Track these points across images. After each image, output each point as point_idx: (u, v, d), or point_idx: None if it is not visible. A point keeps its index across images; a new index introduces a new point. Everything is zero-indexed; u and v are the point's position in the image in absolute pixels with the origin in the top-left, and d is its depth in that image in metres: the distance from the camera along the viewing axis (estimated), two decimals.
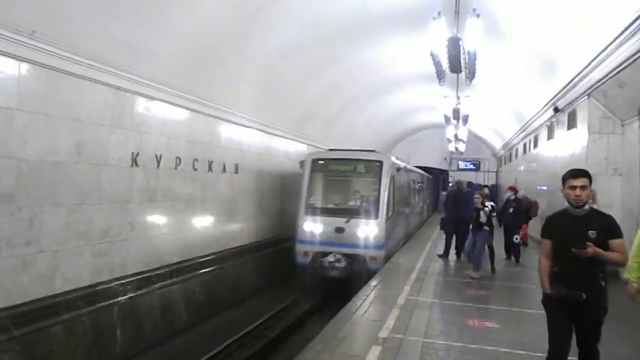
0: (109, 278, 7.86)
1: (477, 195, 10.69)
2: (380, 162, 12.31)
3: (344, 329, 6.34)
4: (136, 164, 8.45)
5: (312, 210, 12.06)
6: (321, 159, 12.80)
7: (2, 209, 6.01)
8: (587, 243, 3.89)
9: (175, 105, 9.46)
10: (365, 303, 7.74)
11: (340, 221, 11.69)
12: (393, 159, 13.38)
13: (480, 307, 7.72)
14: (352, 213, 11.88)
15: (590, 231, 3.98)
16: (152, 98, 8.77)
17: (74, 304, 7.09)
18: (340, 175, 12.66)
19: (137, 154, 8.46)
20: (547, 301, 4.31)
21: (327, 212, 12.07)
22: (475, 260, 10.33)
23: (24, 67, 6.23)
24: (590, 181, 4.15)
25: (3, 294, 6.10)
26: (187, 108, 9.80)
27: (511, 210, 12.60)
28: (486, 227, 10.21)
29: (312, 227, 11.83)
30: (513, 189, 13.71)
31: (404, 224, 15.29)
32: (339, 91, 15.76)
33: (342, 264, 11.37)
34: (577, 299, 3.97)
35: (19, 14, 5.85)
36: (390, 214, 12.16)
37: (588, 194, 4.12)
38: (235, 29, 9.52)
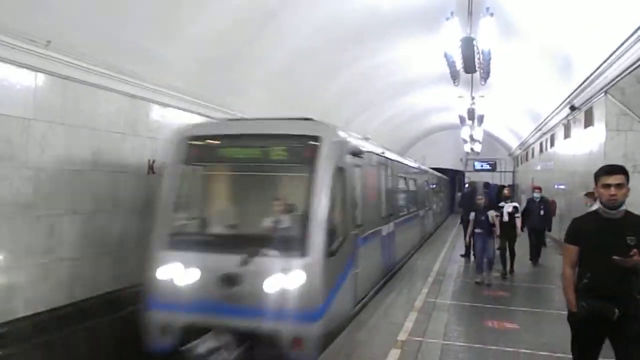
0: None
1: (479, 197, 10.26)
2: (316, 140, 6.15)
3: (361, 333, 6.30)
4: (152, 171, 8.51)
5: (177, 241, 6.14)
6: (201, 137, 6.72)
7: (22, 217, 6.11)
8: (633, 251, 3.38)
9: (188, 111, 9.50)
10: (383, 306, 7.70)
11: (231, 262, 5.70)
12: (343, 134, 7.10)
13: (499, 309, 7.63)
14: (256, 245, 5.85)
15: (628, 237, 3.45)
16: (165, 105, 8.85)
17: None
18: (239, 167, 6.87)
19: (153, 161, 8.53)
20: (573, 319, 3.75)
21: (207, 244, 6.24)
22: (479, 265, 9.78)
23: (40, 77, 6.34)
24: (628, 178, 3.61)
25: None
26: (199, 114, 9.85)
27: (542, 212, 11.82)
28: (479, 230, 9.69)
29: (177, 274, 5.89)
30: (539, 189, 12.64)
31: (384, 251, 9.47)
32: (354, 94, 15.75)
33: (233, 355, 5.69)
34: (611, 315, 3.47)
35: (34, 25, 5.95)
36: (337, 242, 6.14)
37: (624, 193, 3.58)
38: (246, 34, 9.58)
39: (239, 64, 10.18)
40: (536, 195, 12.20)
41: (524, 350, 5.73)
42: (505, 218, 10.39)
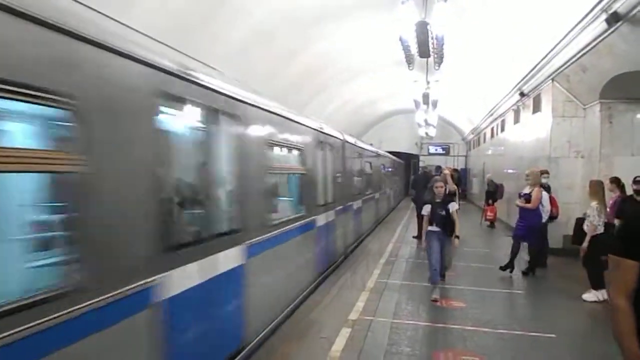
0: None
1: (439, 184, 7.42)
2: None
3: (314, 313, 6.39)
4: None
5: None
6: None
7: None
8: None
9: None
10: (336, 287, 7.81)
11: None
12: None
13: (448, 288, 7.88)
14: None
15: None
16: None
17: None
18: None
19: None
20: None
21: None
22: (434, 276, 7.34)
23: None
24: None
25: None
26: None
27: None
28: (434, 228, 7.27)
29: None
30: (546, 174, 9.89)
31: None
32: (311, 77, 15.68)
33: None
34: None
35: None
36: None
37: None
38: (200, 12, 9.33)
39: (193, 43, 9.91)
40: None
41: (468, 327, 5.96)
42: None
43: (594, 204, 7.27)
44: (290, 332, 5.69)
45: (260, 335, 5.30)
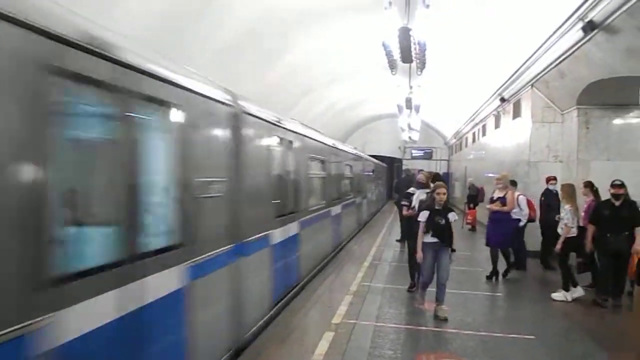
0: None
1: (441, 189, 6.56)
2: None
3: (297, 317, 6.42)
4: None
5: None
6: None
7: None
8: None
9: None
10: (319, 291, 7.85)
11: None
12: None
13: (431, 291, 7.94)
14: None
15: None
16: None
17: None
18: None
19: None
20: None
21: None
22: (424, 289, 7.11)
23: None
24: None
25: None
26: None
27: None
28: (431, 239, 6.54)
29: None
30: (553, 180, 9.77)
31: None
32: (295, 79, 15.69)
33: None
34: None
35: None
36: None
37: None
38: (187, 13, 9.31)
39: (180, 44, 9.89)
40: (552, 187, 9.63)
41: (450, 330, 6.04)
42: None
43: (568, 206, 7.47)
44: (273, 336, 5.70)
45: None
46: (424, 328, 6.13)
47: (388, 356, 5.15)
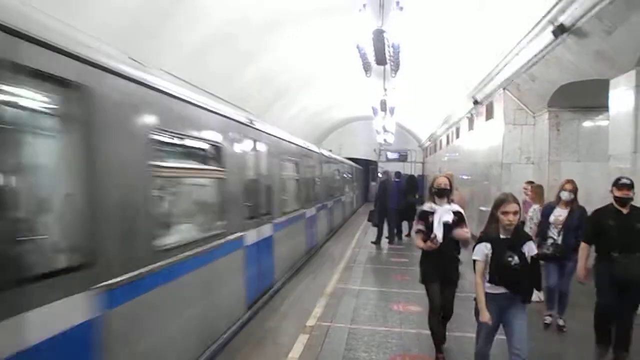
0: None
1: (512, 207, 4.02)
2: None
3: (271, 319, 6.34)
4: None
5: None
6: None
7: None
8: None
9: None
10: (295, 293, 7.77)
11: None
12: None
13: (405, 292, 7.96)
14: None
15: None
16: None
17: None
18: None
19: None
20: None
21: None
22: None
23: None
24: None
25: None
26: None
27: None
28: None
29: None
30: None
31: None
32: (269, 82, 15.59)
33: None
34: None
35: None
36: None
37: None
38: (153, 15, 9.14)
39: (148, 46, 9.70)
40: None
41: (425, 331, 6.01)
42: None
43: (537, 206, 7.57)
44: (247, 340, 5.60)
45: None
46: (397, 329, 6.11)
47: (362, 358, 5.11)
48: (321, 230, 13.84)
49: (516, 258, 3.92)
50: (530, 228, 7.59)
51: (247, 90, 14.49)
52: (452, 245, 5.04)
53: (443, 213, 4.94)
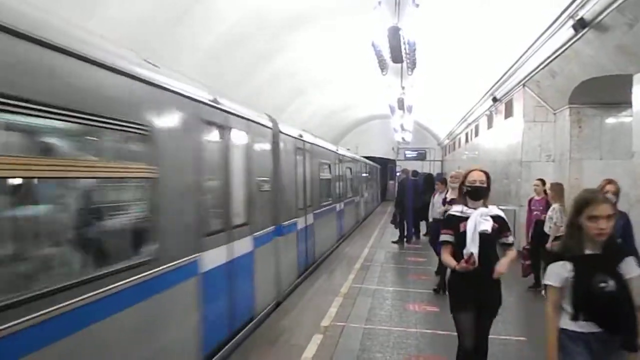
0: None
1: (606, 207, 2.82)
2: None
3: (286, 319, 6.32)
4: None
5: None
6: None
7: None
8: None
9: None
10: (309, 293, 7.74)
11: None
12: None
13: (422, 292, 7.88)
14: None
15: None
16: None
17: None
18: None
19: None
20: None
21: None
22: None
23: None
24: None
25: None
26: None
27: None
28: None
29: None
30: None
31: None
32: (285, 82, 15.61)
33: None
34: None
35: None
36: None
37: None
38: (172, 16, 9.20)
39: (165, 48, 9.77)
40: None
41: (440, 332, 5.94)
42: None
43: (557, 205, 7.41)
44: (261, 339, 5.59)
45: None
46: (413, 330, 6.04)
47: (377, 359, 5.06)
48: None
49: (611, 282, 2.71)
50: (549, 228, 7.43)
51: (263, 89, 14.53)
52: (493, 262, 3.71)
53: (479, 219, 3.71)
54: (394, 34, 8.69)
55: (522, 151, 11.49)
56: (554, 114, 10.99)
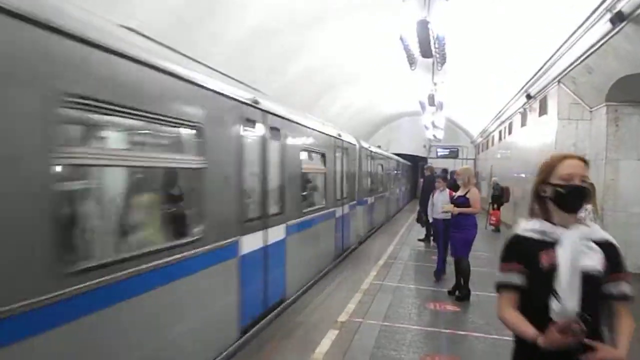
0: None
1: None
2: None
3: (303, 314, 6.28)
4: None
5: None
6: None
7: None
8: None
9: None
10: (329, 288, 7.69)
11: None
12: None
13: (444, 291, 7.72)
14: None
15: None
16: None
17: None
18: None
19: None
20: None
21: None
22: None
23: None
24: None
25: None
26: None
27: None
28: None
29: None
30: None
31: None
32: (314, 76, 15.55)
33: None
34: None
35: None
36: None
37: None
38: (203, 9, 9.27)
39: (195, 41, 9.86)
40: None
41: (460, 332, 5.81)
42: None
43: (589, 206, 7.11)
44: (277, 332, 5.57)
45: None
46: (431, 329, 5.91)
47: (391, 357, 4.97)
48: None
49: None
50: None
51: (292, 85, 14.52)
52: (598, 328, 2.11)
53: (579, 247, 2.11)
54: (423, 27, 8.52)
55: (555, 150, 11.12)
56: (590, 111, 10.59)
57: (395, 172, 22.53)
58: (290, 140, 6.76)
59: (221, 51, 10.77)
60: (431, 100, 16.30)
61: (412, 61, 10.39)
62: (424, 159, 33.17)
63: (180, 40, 9.44)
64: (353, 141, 11.80)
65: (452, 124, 28.97)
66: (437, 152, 32.15)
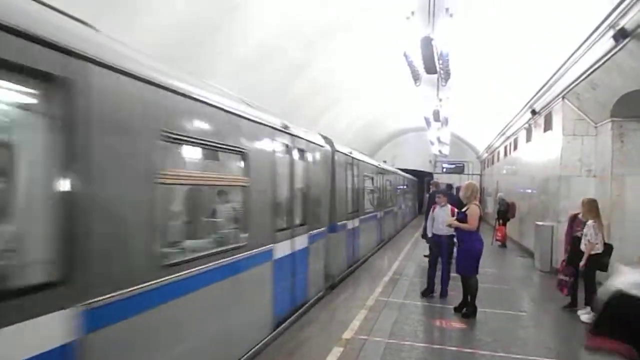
0: None
1: None
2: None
3: (306, 331, 6.25)
4: None
5: None
6: None
7: None
8: None
9: None
10: (334, 305, 7.66)
11: None
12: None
13: (449, 308, 7.65)
14: None
15: None
16: None
17: None
18: None
19: None
20: None
21: None
22: None
23: None
24: None
25: None
26: None
27: None
28: None
29: None
30: None
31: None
32: (320, 92, 15.67)
33: None
34: None
35: None
36: None
37: None
38: (208, 25, 9.39)
39: (200, 57, 9.98)
40: None
41: (467, 350, 5.75)
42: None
43: (591, 222, 7.10)
44: (281, 349, 5.54)
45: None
46: (437, 346, 5.86)
47: None
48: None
49: None
50: (585, 245, 7.12)
51: (298, 101, 14.61)
52: None
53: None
54: (427, 44, 8.60)
55: (560, 166, 11.10)
56: (596, 127, 10.58)
57: (398, 187, 21.01)
58: None
59: (226, 67, 10.88)
60: (436, 115, 16.35)
61: (416, 77, 10.46)
62: (430, 174, 33.14)
63: (185, 54, 9.58)
64: (320, 142, 8.43)
65: (457, 139, 28.99)
66: (442, 167, 32.11)
